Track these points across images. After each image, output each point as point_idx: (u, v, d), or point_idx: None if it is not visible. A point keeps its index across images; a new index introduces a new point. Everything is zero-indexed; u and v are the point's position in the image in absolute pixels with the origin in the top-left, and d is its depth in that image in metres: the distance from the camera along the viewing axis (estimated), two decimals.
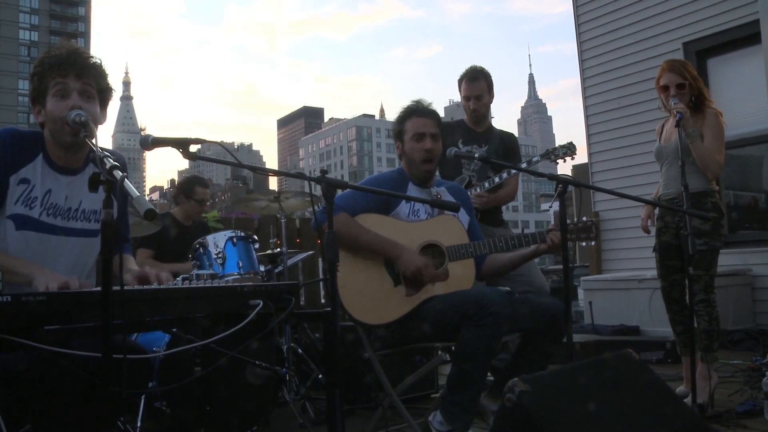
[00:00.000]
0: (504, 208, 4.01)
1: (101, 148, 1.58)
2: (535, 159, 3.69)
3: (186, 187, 4.42)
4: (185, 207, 4.43)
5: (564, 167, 3.63)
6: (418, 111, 2.84)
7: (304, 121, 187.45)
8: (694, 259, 2.96)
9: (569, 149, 3.61)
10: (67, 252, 2.01)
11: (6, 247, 1.90)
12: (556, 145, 3.82)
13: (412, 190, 2.82)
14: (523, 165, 3.62)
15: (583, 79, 7.19)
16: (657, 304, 3.71)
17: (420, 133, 2.79)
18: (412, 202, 2.76)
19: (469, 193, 3.42)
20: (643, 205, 3.61)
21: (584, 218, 2.64)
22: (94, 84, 1.96)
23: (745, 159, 6.38)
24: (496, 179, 3.67)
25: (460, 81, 3.90)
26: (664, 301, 3.48)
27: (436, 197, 2.81)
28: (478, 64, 4.02)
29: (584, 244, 2.66)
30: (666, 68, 3.42)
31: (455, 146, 3.65)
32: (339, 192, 2.47)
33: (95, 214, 2.06)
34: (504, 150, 3.86)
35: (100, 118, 1.99)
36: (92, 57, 1.99)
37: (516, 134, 4.18)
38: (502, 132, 3.96)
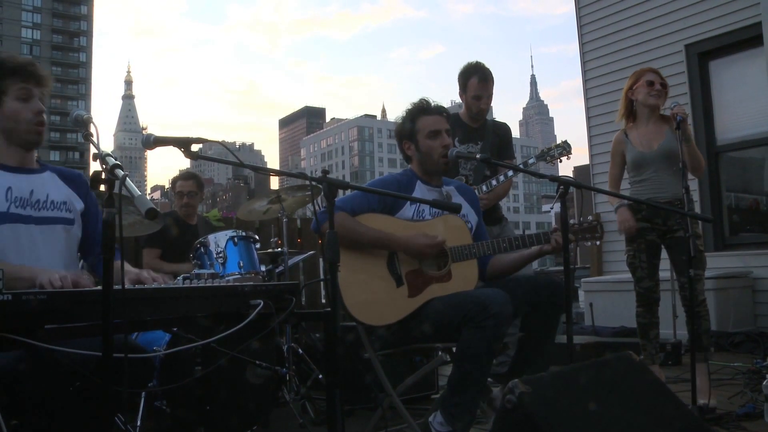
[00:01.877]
0: (504, 208, 4.00)
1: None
2: (530, 161, 3.68)
3: (172, 184, 4.52)
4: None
5: (565, 168, 3.64)
6: (428, 109, 2.83)
7: (306, 121, 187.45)
8: (695, 259, 2.98)
9: (564, 149, 3.60)
10: (46, 240, 2.03)
11: None
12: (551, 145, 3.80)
13: (421, 190, 2.80)
14: (522, 167, 3.62)
15: (585, 81, 7.19)
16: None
17: (435, 130, 2.79)
18: (417, 204, 2.74)
19: None
20: (617, 209, 3.56)
21: (589, 217, 2.63)
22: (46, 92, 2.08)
23: (746, 161, 6.37)
24: (493, 182, 3.67)
25: (466, 77, 3.81)
26: (645, 303, 3.49)
27: (446, 195, 2.82)
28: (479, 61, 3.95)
29: (589, 243, 2.65)
30: (647, 70, 3.53)
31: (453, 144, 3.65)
32: (342, 194, 2.46)
33: (65, 204, 2.11)
34: (498, 143, 3.85)
35: None
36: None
37: (517, 135, 4.19)
38: (494, 124, 3.94)
